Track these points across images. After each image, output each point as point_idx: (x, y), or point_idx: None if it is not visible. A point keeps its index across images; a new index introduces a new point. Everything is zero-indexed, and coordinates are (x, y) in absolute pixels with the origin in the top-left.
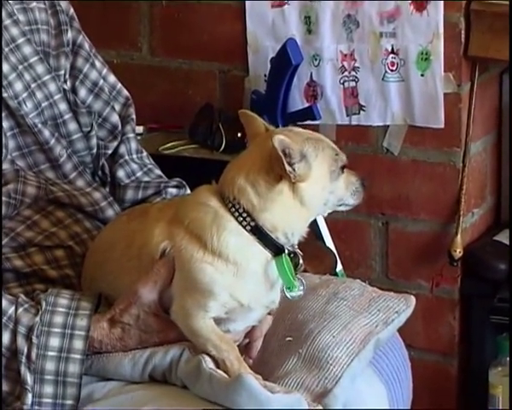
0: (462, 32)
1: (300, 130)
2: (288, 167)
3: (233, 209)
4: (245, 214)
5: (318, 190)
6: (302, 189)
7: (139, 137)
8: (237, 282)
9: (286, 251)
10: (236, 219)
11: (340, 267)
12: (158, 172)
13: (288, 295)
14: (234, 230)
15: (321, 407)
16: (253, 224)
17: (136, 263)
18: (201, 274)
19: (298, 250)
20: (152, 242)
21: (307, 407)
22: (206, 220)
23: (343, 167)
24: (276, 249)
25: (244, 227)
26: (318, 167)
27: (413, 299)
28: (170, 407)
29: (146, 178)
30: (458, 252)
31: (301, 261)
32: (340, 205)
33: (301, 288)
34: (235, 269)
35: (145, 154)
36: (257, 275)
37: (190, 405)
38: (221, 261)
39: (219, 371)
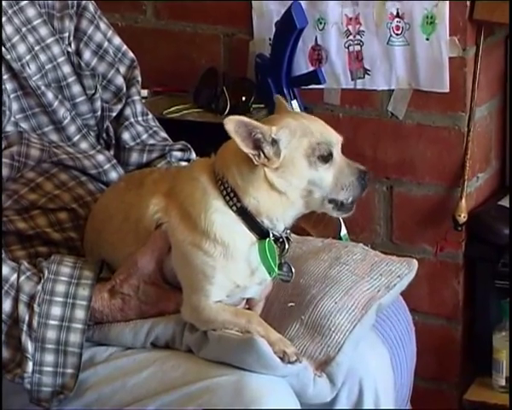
0: None
1: (296, 114)
2: (245, 149)
3: (222, 187)
4: (232, 194)
5: (293, 178)
6: (273, 175)
7: (144, 101)
8: (228, 263)
9: (271, 236)
10: (224, 197)
11: (344, 232)
12: (163, 134)
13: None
14: (220, 209)
15: (325, 376)
16: (239, 205)
17: (133, 236)
18: (193, 257)
19: (285, 235)
20: (147, 215)
21: (312, 374)
22: (196, 197)
23: (326, 158)
24: (261, 233)
25: (230, 207)
26: (290, 155)
27: (415, 263)
28: (174, 368)
29: (151, 141)
30: (463, 216)
31: (287, 246)
32: (331, 202)
33: (290, 274)
34: (224, 250)
35: (150, 116)
36: (244, 254)
37: (196, 365)
38: (209, 242)
39: (228, 332)
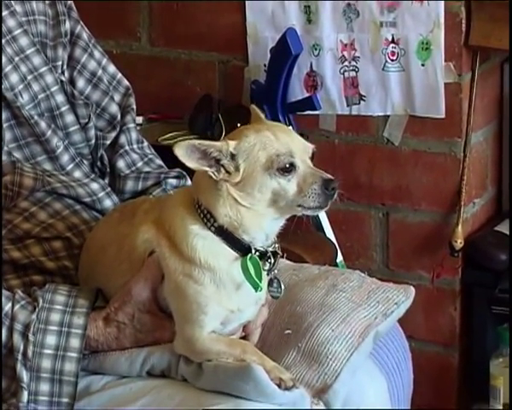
0: (463, 21)
1: (262, 125)
2: (201, 168)
3: (199, 210)
4: (208, 215)
5: (254, 191)
6: (235, 189)
7: (138, 128)
8: (219, 289)
9: (253, 251)
10: (202, 219)
11: (340, 258)
12: (159, 161)
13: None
14: (199, 233)
15: (322, 404)
16: (216, 224)
17: (127, 266)
18: (186, 287)
19: (273, 249)
20: (139, 246)
21: (309, 402)
22: (177, 224)
23: (286, 169)
24: (243, 249)
25: (209, 228)
26: (249, 168)
27: (412, 290)
28: (170, 397)
29: (146, 169)
30: (459, 243)
31: (273, 260)
32: (299, 207)
33: (279, 290)
34: (212, 275)
35: (146, 144)
36: (231, 275)
37: (193, 394)
38: (198, 270)
39: (224, 360)
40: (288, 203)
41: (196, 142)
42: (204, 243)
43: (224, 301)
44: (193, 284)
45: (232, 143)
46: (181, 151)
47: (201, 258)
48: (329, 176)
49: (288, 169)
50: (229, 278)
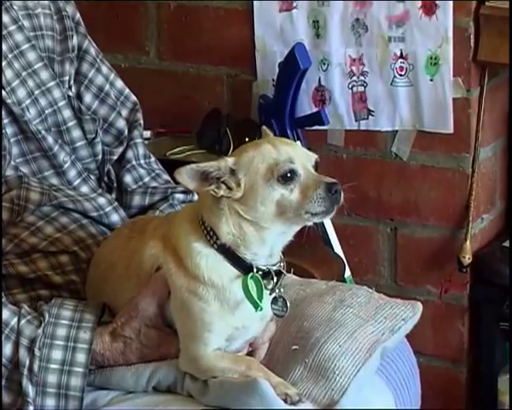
0: (472, 36)
1: (264, 140)
2: (202, 189)
3: (203, 227)
4: (211, 233)
5: (257, 204)
6: (238, 204)
7: (146, 142)
8: (223, 307)
9: (254, 270)
10: (206, 237)
11: (348, 273)
12: (166, 177)
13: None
14: (202, 250)
15: None
16: (219, 242)
17: (135, 281)
18: (191, 304)
19: (277, 268)
20: (146, 260)
21: None
22: (182, 240)
23: (287, 177)
24: (245, 268)
25: (212, 246)
26: (250, 181)
27: (420, 306)
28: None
29: (153, 184)
30: (467, 258)
31: (275, 279)
32: (307, 214)
33: (284, 309)
34: (216, 292)
35: (153, 159)
36: (234, 293)
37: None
38: (203, 287)
39: (230, 376)
40: (295, 212)
41: (194, 165)
42: (207, 261)
43: (229, 318)
44: (198, 301)
45: (231, 160)
46: (181, 177)
47: (205, 275)
48: (332, 179)
49: (289, 177)
50: (231, 296)
